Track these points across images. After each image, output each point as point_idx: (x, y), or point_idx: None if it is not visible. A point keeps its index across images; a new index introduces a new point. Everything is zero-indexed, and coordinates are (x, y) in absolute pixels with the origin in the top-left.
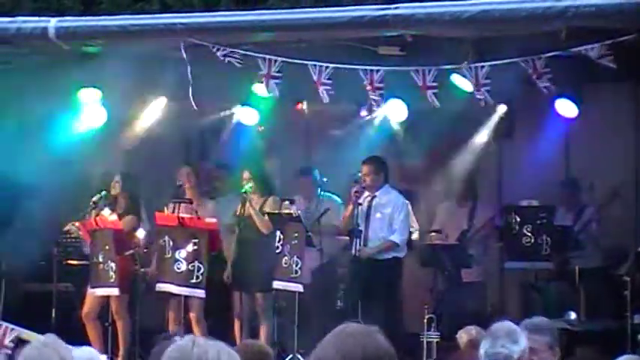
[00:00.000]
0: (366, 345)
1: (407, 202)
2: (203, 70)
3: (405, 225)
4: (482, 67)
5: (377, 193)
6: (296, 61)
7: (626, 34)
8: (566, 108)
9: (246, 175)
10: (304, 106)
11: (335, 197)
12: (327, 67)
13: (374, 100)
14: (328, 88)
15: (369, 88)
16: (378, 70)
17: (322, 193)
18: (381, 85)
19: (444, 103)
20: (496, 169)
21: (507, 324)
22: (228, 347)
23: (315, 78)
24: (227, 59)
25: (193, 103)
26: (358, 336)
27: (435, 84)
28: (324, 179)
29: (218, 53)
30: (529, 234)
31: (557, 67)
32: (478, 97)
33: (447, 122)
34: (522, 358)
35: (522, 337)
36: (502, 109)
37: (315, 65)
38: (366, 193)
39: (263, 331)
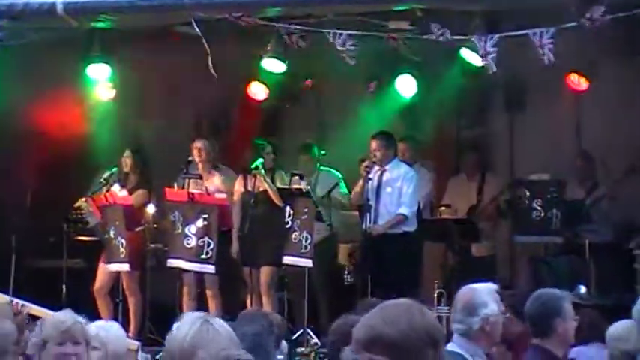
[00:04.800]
0: (412, 315)
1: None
2: (213, 46)
3: (414, 197)
4: (491, 37)
5: (387, 167)
6: (312, 29)
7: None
8: (577, 82)
9: (268, 149)
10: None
11: (333, 171)
12: (340, 35)
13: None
14: (351, 50)
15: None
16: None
17: (320, 167)
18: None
19: (454, 77)
20: (507, 143)
21: (466, 294)
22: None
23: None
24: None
25: (214, 72)
26: (405, 308)
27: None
28: (322, 152)
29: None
30: (539, 208)
31: (571, 41)
32: (483, 63)
33: (457, 96)
34: (488, 320)
35: (484, 305)
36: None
37: (329, 33)
38: (376, 168)
39: (265, 306)
